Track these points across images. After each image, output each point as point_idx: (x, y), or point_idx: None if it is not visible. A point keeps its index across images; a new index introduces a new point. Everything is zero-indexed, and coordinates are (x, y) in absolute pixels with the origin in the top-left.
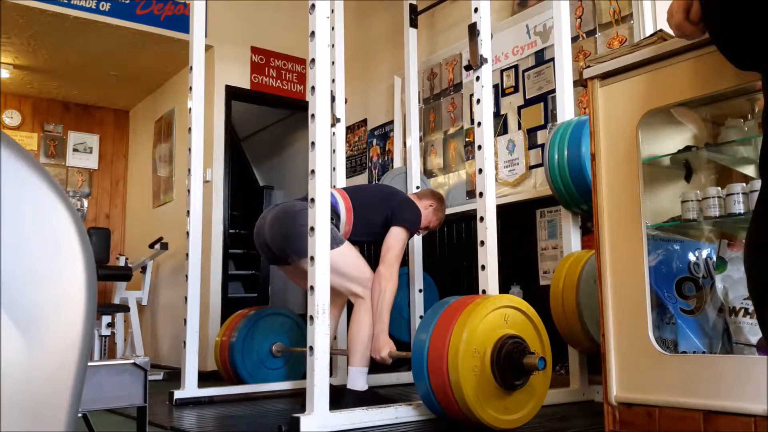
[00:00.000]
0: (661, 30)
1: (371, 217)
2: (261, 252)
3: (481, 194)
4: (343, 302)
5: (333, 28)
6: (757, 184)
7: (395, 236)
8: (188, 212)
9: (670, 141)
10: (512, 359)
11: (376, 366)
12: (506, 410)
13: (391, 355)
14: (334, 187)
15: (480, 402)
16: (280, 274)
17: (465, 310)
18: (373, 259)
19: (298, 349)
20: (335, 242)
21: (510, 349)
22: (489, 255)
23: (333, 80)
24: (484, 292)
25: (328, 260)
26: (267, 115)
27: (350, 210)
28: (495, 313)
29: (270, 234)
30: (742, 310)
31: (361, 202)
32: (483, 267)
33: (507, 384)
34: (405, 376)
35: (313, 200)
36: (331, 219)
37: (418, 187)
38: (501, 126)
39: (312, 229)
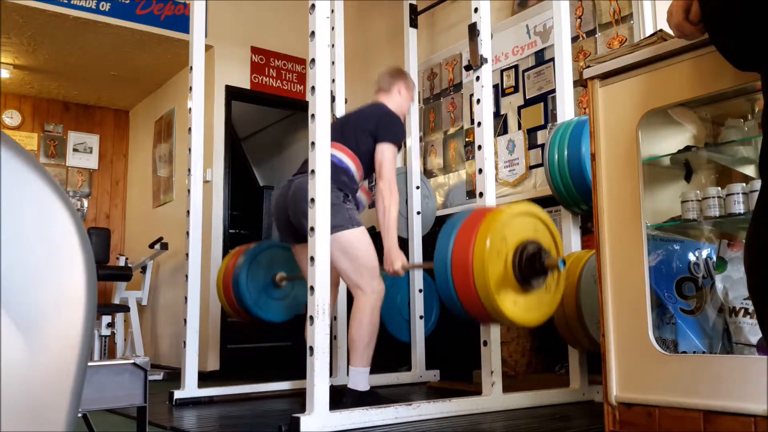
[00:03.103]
0: (661, 30)
1: (369, 148)
2: (280, 229)
3: (481, 194)
4: (337, 279)
5: (333, 28)
6: (757, 184)
7: (383, 152)
8: (188, 212)
9: (670, 141)
10: (532, 261)
11: (376, 366)
12: (526, 309)
13: (404, 267)
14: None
15: (502, 299)
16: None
17: (488, 215)
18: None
19: (301, 276)
20: (353, 223)
21: (531, 250)
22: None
23: (333, 80)
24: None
25: (328, 260)
26: (267, 115)
27: (355, 159)
28: (517, 219)
29: (292, 210)
30: (742, 310)
31: (353, 140)
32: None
33: (527, 284)
34: (405, 376)
35: (313, 200)
36: (347, 183)
37: (418, 188)
38: (501, 126)
39: (312, 229)
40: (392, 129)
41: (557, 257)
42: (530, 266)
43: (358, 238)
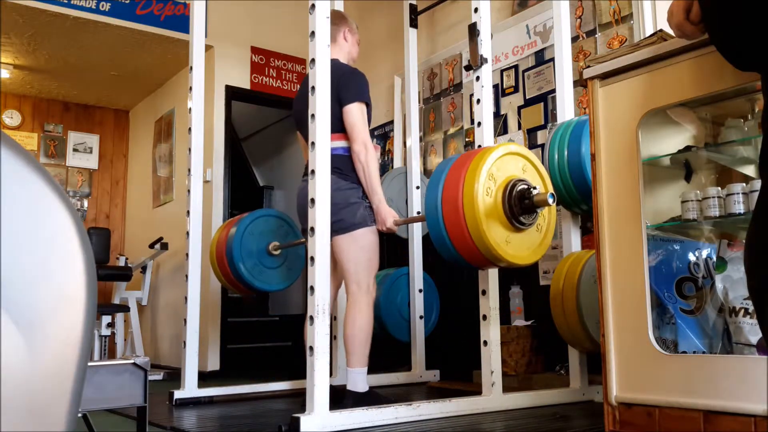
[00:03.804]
0: (661, 30)
1: (341, 115)
2: (302, 224)
3: None
4: (340, 281)
5: None
6: (757, 184)
7: (352, 114)
8: (188, 212)
9: (670, 141)
10: (522, 198)
11: (376, 366)
12: (518, 248)
13: (397, 223)
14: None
15: (493, 236)
16: None
17: (476, 156)
18: (386, 259)
19: (294, 243)
20: (371, 221)
21: (520, 188)
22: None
23: None
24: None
25: (328, 259)
26: (267, 115)
27: (344, 136)
28: (504, 158)
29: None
30: (742, 310)
31: (335, 119)
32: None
33: (517, 221)
34: (405, 376)
35: (313, 200)
36: (351, 169)
37: (417, 188)
38: (501, 126)
39: (312, 229)
40: (357, 87)
41: (545, 192)
42: (520, 203)
43: (373, 233)
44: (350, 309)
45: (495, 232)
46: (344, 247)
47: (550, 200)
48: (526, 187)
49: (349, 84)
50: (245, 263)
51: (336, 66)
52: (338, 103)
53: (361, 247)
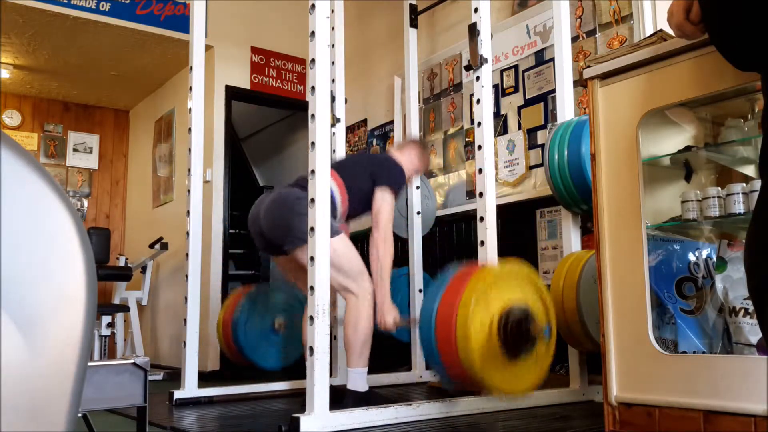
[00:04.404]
0: (661, 30)
1: (362, 187)
2: (255, 240)
3: (481, 194)
4: (334, 297)
5: (333, 28)
6: (757, 184)
7: (382, 198)
8: (188, 212)
9: (670, 141)
10: (519, 328)
11: (376, 366)
12: (512, 378)
13: (396, 323)
14: None
15: (488, 370)
16: (281, 275)
17: (471, 279)
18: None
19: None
20: (333, 231)
21: (517, 317)
22: (489, 254)
23: (333, 80)
24: None
25: (329, 260)
26: (267, 115)
27: (342, 186)
28: (501, 282)
29: (266, 223)
30: (742, 310)
31: (349, 176)
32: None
33: (513, 352)
34: (405, 376)
35: (313, 200)
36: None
37: (417, 188)
38: (501, 126)
39: (312, 229)
40: (394, 175)
41: (544, 322)
42: (516, 333)
43: (337, 244)
44: (348, 313)
45: (488, 365)
46: None
47: (546, 335)
48: (523, 315)
49: (389, 170)
50: (249, 341)
51: (387, 155)
52: (371, 179)
53: (332, 258)
